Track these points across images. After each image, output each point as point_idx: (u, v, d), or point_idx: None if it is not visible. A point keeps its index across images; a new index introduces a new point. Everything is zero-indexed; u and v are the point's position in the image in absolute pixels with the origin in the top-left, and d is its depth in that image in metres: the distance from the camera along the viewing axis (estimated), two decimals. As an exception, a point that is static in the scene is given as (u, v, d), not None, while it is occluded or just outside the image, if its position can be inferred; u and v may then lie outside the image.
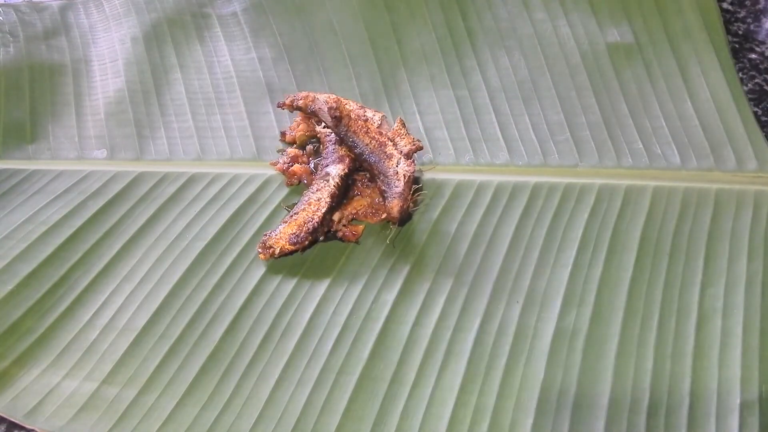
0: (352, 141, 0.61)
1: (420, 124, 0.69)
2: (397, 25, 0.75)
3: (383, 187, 0.59)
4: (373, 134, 0.61)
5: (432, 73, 0.72)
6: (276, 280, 0.58)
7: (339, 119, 0.61)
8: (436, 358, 0.52)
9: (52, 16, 0.80)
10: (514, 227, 0.60)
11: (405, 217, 0.60)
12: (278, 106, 0.68)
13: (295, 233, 0.58)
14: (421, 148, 0.62)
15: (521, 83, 0.71)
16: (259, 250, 0.59)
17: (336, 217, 0.60)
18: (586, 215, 0.61)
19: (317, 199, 0.59)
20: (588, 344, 0.52)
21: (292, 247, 0.58)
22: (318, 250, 0.60)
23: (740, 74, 0.70)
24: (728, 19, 0.76)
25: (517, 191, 0.63)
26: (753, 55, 0.73)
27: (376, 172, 0.60)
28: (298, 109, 0.67)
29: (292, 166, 0.65)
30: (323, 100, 0.62)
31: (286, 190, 0.66)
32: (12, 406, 0.51)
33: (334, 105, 0.61)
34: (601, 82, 0.69)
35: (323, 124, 0.65)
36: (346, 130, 0.61)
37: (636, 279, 0.55)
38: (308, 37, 0.76)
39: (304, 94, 0.66)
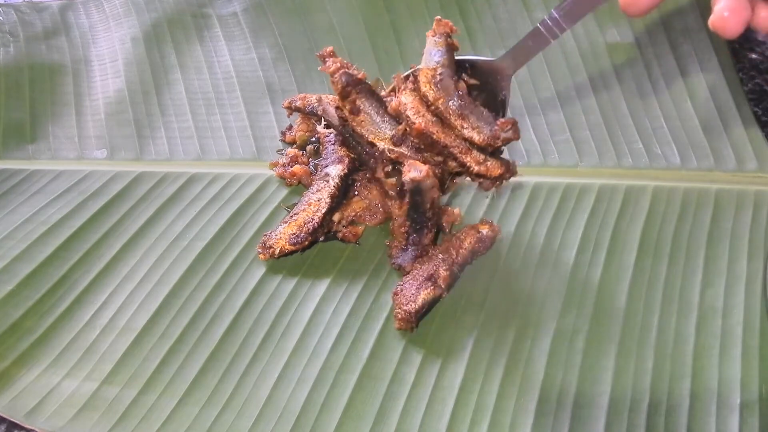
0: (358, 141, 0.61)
1: (420, 124, 0.69)
2: (397, 25, 0.75)
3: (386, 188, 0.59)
4: None
5: (432, 73, 0.72)
6: (276, 280, 0.58)
7: (346, 120, 0.60)
8: (436, 357, 0.52)
9: (52, 16, 0.81)
10: (514, 227, 0.60)
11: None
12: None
13: (295, 234, 0.58)
14: None
15: (521, 83, 0.71)
16: (259, 250, 0.59)
17: (336, 217, 0.60)
18: (586, 215, 0.61)
19: (317, 199, 0.59)
20: (588, 344, 0.52)
21: (292, 248, 0.58)
22: (318, 250, 0.60)
23: (740, 74, 0.70)
24: (728, 19, 0.76)
25: (517, 191, 0.63)
26: (753, 55, 0.73)
27: None
28: (297, 110, 0.67)
29: (291, 166, 0.65)
30: (330, 100, 0.62)
31: (285, 191, 0.66)
32: (12, 406, 0.51)
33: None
34: (601, 82, 0.69)
35: (323, 124, 0.65)
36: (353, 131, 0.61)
37: (636, 279, 0.55)
38: (308, 37, 0.76)
39: (301, 95, 0.67)
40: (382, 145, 0.58)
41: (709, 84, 0.68)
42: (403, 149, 0.57)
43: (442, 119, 0.56)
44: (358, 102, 0.58)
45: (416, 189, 0.54)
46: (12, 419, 0.51)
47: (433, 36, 0.57)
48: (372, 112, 0.58)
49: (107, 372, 0.53)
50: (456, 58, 0.57)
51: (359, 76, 0.58)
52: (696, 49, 0.70)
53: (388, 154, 0.58)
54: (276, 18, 0.77)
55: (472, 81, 0.57)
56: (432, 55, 0.56)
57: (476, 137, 0.55)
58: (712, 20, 0.47)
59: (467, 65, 0.57)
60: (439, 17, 0.57)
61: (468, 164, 0.55)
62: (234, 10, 0.78)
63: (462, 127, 0.55)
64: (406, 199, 0.55)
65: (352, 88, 0.57)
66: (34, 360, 0.54)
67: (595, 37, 0.72)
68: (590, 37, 0.72)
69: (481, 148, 0.56)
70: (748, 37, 0.75)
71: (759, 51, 0.74)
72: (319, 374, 0.51)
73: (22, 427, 0.51)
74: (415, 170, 0.53)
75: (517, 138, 0.55)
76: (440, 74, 0.56)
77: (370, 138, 0.58)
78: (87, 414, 0.51)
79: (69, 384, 0.53)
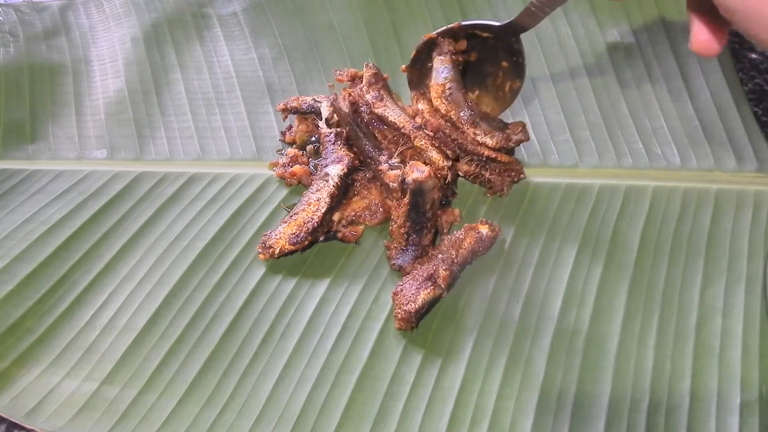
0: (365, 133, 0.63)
1: (420, 124, 0.70)
2: (397, 25, 0.75)
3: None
4: None
5: (432, 73, 0.72)
6: (276, 280, 0.58)
7: (357, 108, 0.63)
8: (436, 357, 0.52)
9: (52, 16, 0.81)
10: (515, 227, 0.60)
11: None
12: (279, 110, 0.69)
13: (294, 233, 0.58)
14: None
15: (521, 83, 0.71)
16: (259, 250, 0.59)
17: (336, 217, 0.60)
18: (586, 215, 0.61)
19: (317, 199, 0.59)
20: (588, 344, 0.52)
21: (292, 248, 0.58)
22: (318, 250, 0.60)
23: (740, 74, 0.70)
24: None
25: (517, 191, 0.63)
26: (753, 55, 0.73)
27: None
28: (294, 111, 0.68)
29: (291, 166, 0.65)
30: (339, 96, 0.65)
31: (285, 190, 0.66)
32: (12, 406, 0.51)
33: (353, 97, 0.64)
34: (601, 82, 0.69)
35: (323, 123, 0.65)
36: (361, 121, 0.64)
37: (636, 279, 0.55)
38: (308, 37, 0.76)
39: (294, 97, 0.68)
40: (403, 124, 0.62)
41: (709, 84, 0.68)
42: (423, 134, 0.62)
43: (455, 126, 0.62)
44: (382, 91, 0.65)
45: (418, 189, 0.55)
46: (12, 419, 0.51)
47: (438, 55, 0.62)
48: (391, 102, 0.64)
49: (107, 372, 0.53)
50: (464, 23, 0.62)
51: (384, 76, 0.67)
52: (696, 49, 0.70)
53: (410, 134, 0.61)
54: (276, 18, 0.77)
55: (486, 34, 0.61)
56: (440, 73, 0.62)
57: (489, 141, 0.61)
58: (692, 44, 0.48)
59: (476, 28, 0.62)
60: (443, 38, 0.62)
61: (479, 152, 0.61)
62: (234, 10, 0.78)
63: (475, 134, 0.61)
64: (406, 199, 0.56)
65: (380, 79, 0.65)
66: (34, 360, 0.54)
67: (595, 37, 0.72)
68: (590, 37, 0.72)
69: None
70: (748, 37, 0.75)
71: (759, 51, 0.74)
72: (319, 375, 0.51)
73: (22, 427, 0.51)
74: (417, 171, 0.55)
75: (527, 139, 0.61)
76: (449, 89, 0.61)
77: (392, 119, 0.62)
78: (87, 414, 0.51)
79: (69, 384, 0.53)
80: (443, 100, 0.61)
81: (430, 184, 0.55)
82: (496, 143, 0.60)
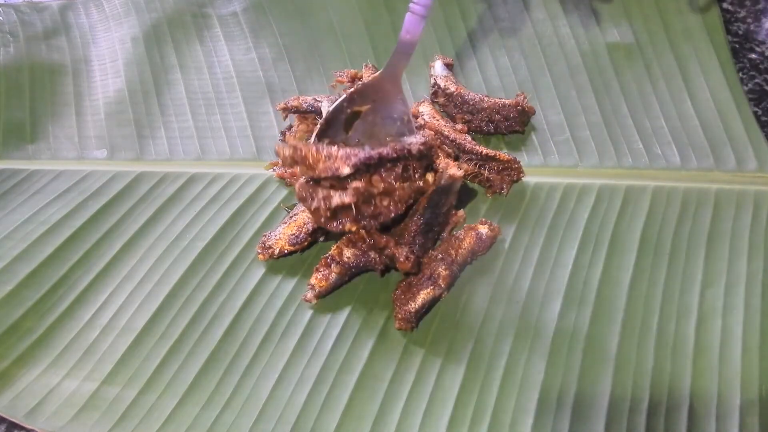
0: None
1: (420, 124, 0.70)
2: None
3: None
4: None
5: (432, 73, 0.72)
6: (276, 280, 0.58)
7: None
8: (437, 357, 0.52)
9: (52, 16, 0.81)
10: (515, 227, 0.60)
11: None
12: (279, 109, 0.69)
13: (294, 234, 0.58)
14: None
15: (521, 83, 0.71)
16: (259, 250, 0.59)
17: (336, 217, 0.60)
18: (586, 215, 0.61)
19: (317, 199, 0.59)
20: (588, 344, 0.52)
21: (292, 248, 0.58)
22: (318, 250, 0.60)
23: (740, 74, 0.70)
24: (728, 19, 0.76)
25: (517, 191, 0.63)
26: (753, 55, 0.73)
27: None
28: (294, 110, 0.68)
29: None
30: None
31: (285, 191, 0.66)
32: (12, 406, 0.51)
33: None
34: (601, 82, 0.69)
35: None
36: None
37: (636, 279, 0.55)
38: (308, 37, 0.76)
39: (294, 96, 0.67)
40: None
41: (709, 84, 0.68)
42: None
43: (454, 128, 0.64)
44: None
45: (445, 188, 0.55)
46: (12, 419, 0.51)
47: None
48: None
49: (107, 372, 0.53)
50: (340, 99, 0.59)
51: None
52: (696, 49, 0.70)
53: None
54: (276, 18, 0.77)
55: (364, 107, 0.59)
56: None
57: (483, 151, 0.62)
58: None
59: (356, 97, 0.59)
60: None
61: (478, 151, 0.62)
62: (234, 10, 0.78)
63: (465, 140, 0.63)
64: (424, 198, 0.56)
65: None
66: (34, 360, 0.54)
67: (595, 37, 0.72)
68: (590, 37, 0.72)
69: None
70: (748, 37, 0.75)
71: (759, 51, 0.74)
72: (319, 374, 0.51)
73: (22, 427, 0.51)
74: (456, 169, 0.55)
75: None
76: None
77: None
78: (87, 414, 0.51)
79: (69, 384, 0.53)
80: (438, 115, 0.65)
81: (457, 185, 0.56)
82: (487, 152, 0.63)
